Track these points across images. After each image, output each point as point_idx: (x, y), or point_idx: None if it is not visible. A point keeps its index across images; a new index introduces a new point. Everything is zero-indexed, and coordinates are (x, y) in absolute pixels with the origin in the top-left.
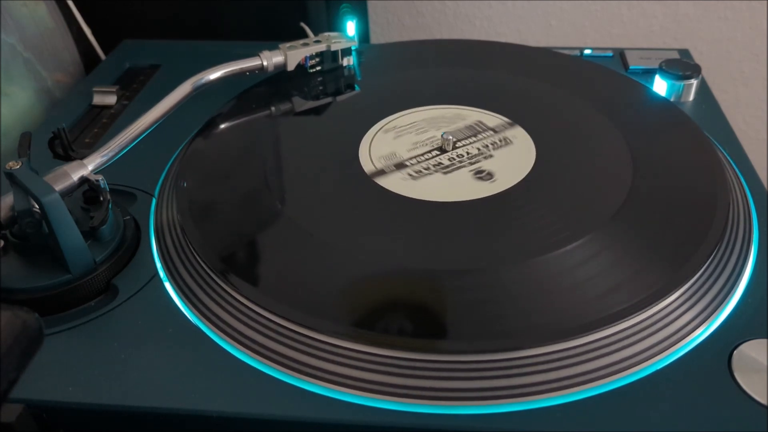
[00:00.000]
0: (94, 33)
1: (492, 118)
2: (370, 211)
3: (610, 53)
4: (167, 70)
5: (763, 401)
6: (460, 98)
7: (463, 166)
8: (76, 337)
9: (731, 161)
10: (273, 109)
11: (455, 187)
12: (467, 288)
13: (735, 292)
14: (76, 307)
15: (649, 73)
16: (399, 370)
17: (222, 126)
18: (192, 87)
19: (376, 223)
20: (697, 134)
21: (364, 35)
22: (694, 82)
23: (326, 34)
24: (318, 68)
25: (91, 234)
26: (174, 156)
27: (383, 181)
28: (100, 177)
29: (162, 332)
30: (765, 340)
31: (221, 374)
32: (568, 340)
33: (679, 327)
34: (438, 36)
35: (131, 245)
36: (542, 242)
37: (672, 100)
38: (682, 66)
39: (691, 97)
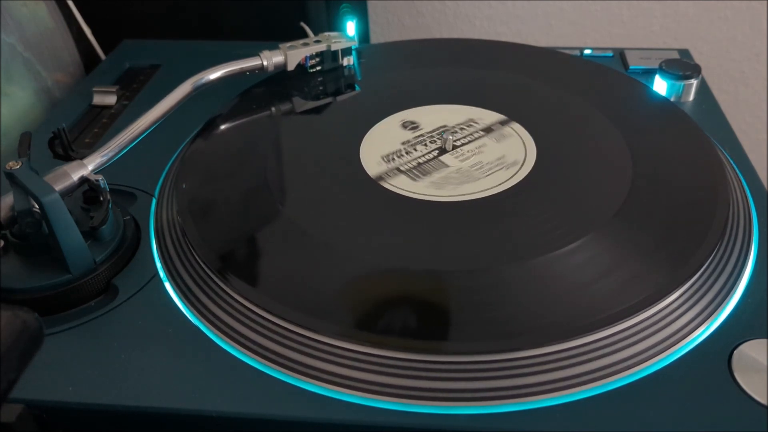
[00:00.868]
0: (94, 33)
1: (489, 116)
2: (370, 211)
3: (610, 53)
4: (167, 70)
5: (763, 401)
6: (459, 98)
7: (465, 165)
8: (76, 337)
9: (731, 161)
10: (273, 109)
11: (460, 185)
12: (467, 288)
13: (735, 292)
14: (76, 307)
15: (649, 73)
16: (399, 370)
17: (222, 126)
18: (192, 87)
19: (375, 223)
20: (697, 134)
21: (364, 35)
22: (694, 82)
23: (326, 34)
24: (318, 68)
25: (91, 234)
26: (174, 156)
27: (386, 183)
28: (100, 177)
29: (162, 332)
30: (765, 340)
31: (221, 374)
32: (568, 340)
33: (679, 327)
34: (438, 36)
35: (131, 245)
36: (542, 242)
37: (672, 100)
38: (682, 66)
39: (691, 97)
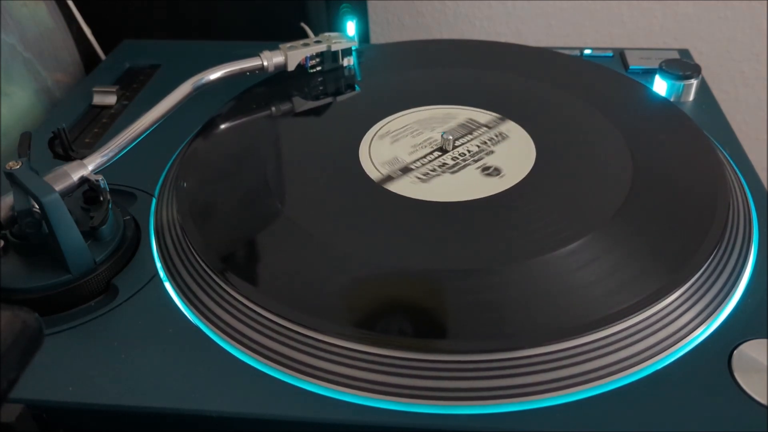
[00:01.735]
0: (94, 33)
1: (488, 117)
2: (370, 211)
3: (610, 53)
4: (167, 70)
5: (763, 401)
6: (458, 98)
7: (468, 165)
8: (76, 337)
9: (731, 161)
10: (273, 109)
11: (466, 185)
12: (467, 288)
13: (735, 292)
14: (76, 307)
15: (649, 73)
16: (399, 370)
17: (222, 126)
18: (192, 87)
19: (375, 223)
20: (697, 134)
21: (364, 35)
22: (694, 82)
23: (326, 34)
24: (318, 68)
25: (91, 234)
26: (174, 156)
27: (392, 186)
28: (100, 177)
29: (162, 332)
30: (765, 340)
31: (221, 374)
32: (568, 340)
33: (679, 327)
34: (438, 36)
35: (131, 245)
36: (542, 242)
37: (672, 100)
38: (682, 66)
39: (691, 97)
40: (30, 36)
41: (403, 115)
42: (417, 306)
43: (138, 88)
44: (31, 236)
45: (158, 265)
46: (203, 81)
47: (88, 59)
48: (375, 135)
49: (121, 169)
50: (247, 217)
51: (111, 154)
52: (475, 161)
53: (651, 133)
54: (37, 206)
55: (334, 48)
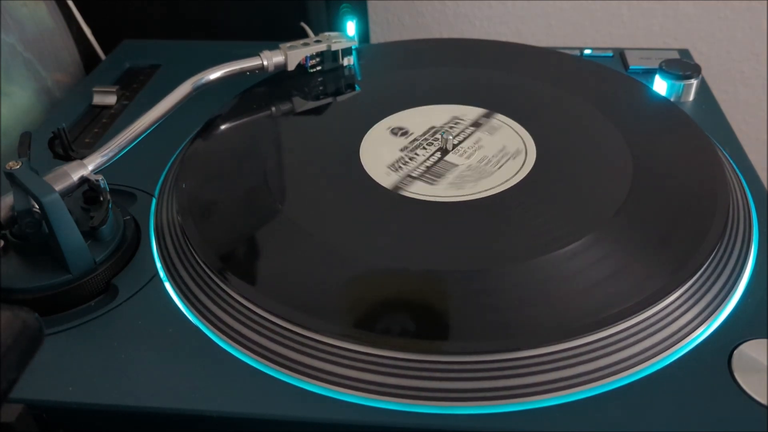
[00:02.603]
0: (94, 33)
1: (470, 111)
2: (370, 211)
3: (610, 53)
4: (167, 70)
5: (763, 401)
6: (457, 98)
7: (472, 160)
8: (76, 337)
9: (731, 161)
10: (273, 109)
11: (477, 182)
12: (467, 288)
13: (735, 292)
14: (76, 307)
15: (649, 73)
16: (399, 370)
17: (222, 126)
18: (192, 87)
19: (375, 223)
20: (697, 134)
21: (364, 35)
22: (694, 82)
23: (326, 34)
24: (318, 68)
25: (91, 234)
26: (174, 156)
27: (405, 191)
28: (100, 177)
29: (162, 332)
30: (765, 340)
31: (221, 374)
32: (568, 340)
33: (679, 327)
34: (437, 36)
35: (131, 245)
36: (542, 242)
37: (672, 100)
38: (682, 66)
39: (691, 97)
40: (30, 36)
41: (393, 119)
42: (417, 306)
43: (138, 88)
44: (31, 236)
45: (158, 265)
46: (203, 81)
47: (88, 59)
48: (372, 137)
49: (121, 169)
50: (246, 218)
51: (111, 154)
52: (478, 156)
53: (651, 133)
54: (37, 206)
55: (334, 48)
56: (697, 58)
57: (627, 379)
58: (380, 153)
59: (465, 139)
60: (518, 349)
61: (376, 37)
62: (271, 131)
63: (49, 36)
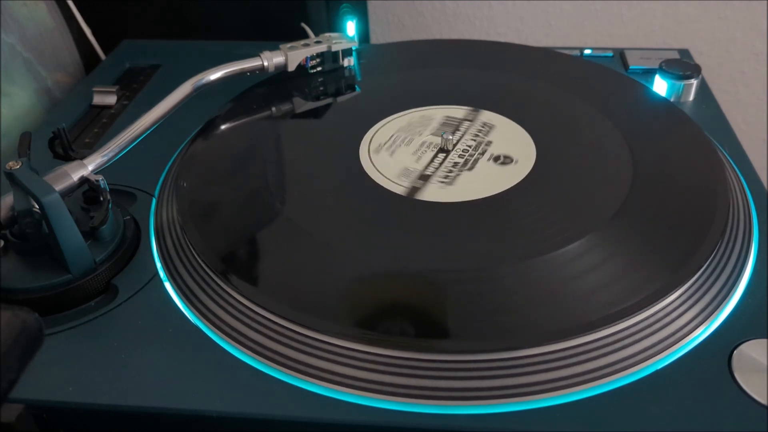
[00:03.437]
0: (94, 33)
1: (457, 110)
2: (369, 211)
3: (610, 53)
4: (167, 70)
5: (763, 401)
6: (457, 99)
7: (479, 158)
8: (76, 337)
9: (731, 161)
10: (274, 109)
11: (488, 179)
12: (467, 288)
13: (735, 292)
14: (76, 307)
15: (649, 73)
16: (399, 370)
17: (222, 126)
18: (192, 87)
19: (375, 223)
20: (697, 134)
21: (364, 35)
22: (694, 82)
23: (327, 34)
24: (318, 69)
25: (91, 234)
26: (174, 156)
27: (422, 195)
28: (100, 177)
29: (162, 332)
30: (765, 340)
31: (221, 374)
32: (568, 340)
33: (679, 327)
34: (438, 36)
35: (131, 245)
36: (542, 242)
37: (672, 100)
38: (682, 66)
39: (691, 97)
40: (30, 36)
41: (385, 125)
42: (417, 306)
43: (138, 88)
44: (31, 236)
45: (158, 265)
46: (203, 81)
47: (88, 59)
48: (372, 138)
49: (121, 169)
50: (247, 218)
51: (111, 154)
52: (482, 153)
53: (651, 133)
54: (37, 206)
55: (334, 48)
56: (697, 58)
57: (627, 379)
58: (380, 153)
59: (464, 139)
60: (518, 348)
61: (376, 37)
62: (271, 132)
63: (49, 36)
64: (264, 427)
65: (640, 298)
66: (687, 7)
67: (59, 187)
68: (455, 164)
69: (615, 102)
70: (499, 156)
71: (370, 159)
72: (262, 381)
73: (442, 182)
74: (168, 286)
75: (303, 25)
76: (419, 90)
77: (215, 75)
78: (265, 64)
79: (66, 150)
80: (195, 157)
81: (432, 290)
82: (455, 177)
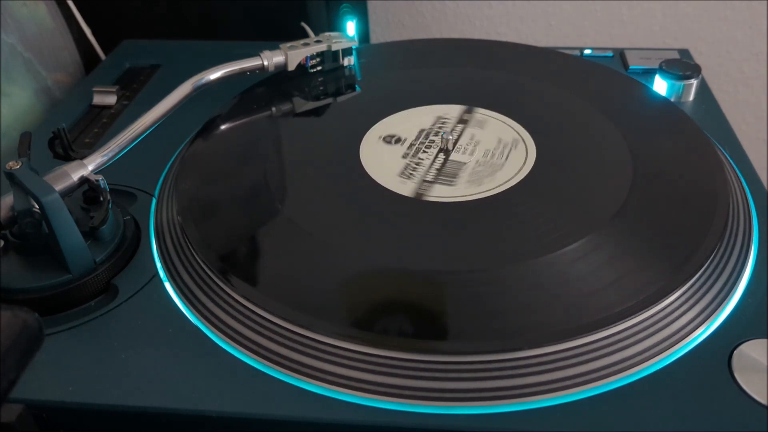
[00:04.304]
0: (94, 33)
1: (450, 109)
2: (368, 211)
3: (610, 53)
4: (167, 70)
5: (763, 401)
6: (457, 98)
7: (479, 155)
8: (76, 337)
9: (731, 161)
10: (274, 109)
11: (492, 177)
12: (467, 288)
13: (735, 292)
14: (76, 307)
15: (649, 73)
16: (399, 370)
17: (222, 126)
18: (192, 87)
19: (375, 223)
20: (697, 134)
21: (364, 35)
22: (694, 82)
23: (327, 34)
24: (319, 68)
25: (91, 234)
26: (174, 156)
27: (429, 195)
28: (100, 177)
29: (162, 332)
30: (765, 340)
31: (221, 374)
32: (568, 340)
33: (679, 327)
34: (438, 36)
35: (131, 245)
36: (542, 243)
37: (672, 100)
38: (682, 66)
39: (691, 97)
40: (30, 36)
41: (384, 125)
42: (417, 306)
43: (138, 88)
44: (31, 236)
45: (158, 265)
46: (203, 81)
47: (88, 59)
48: (372, 138)
49: (121, 169)
50: (247, 218)
51: (111, 154)
52: (482, 150)
53: (651, 132)
54: (37, 206)
55: (334, 48)
56: (697, 58)
57: (627, 379)
58: (380, 153)
59: (462, 137)
60: (518, 349)
61: (376, 37)
62: (271, 131)
63: (49, 36)
64: (263, 427)
65: (640, 298)
66: (687, 7)
67: (59, 187)
68: (457, 162)
69: (615, 102)
70: (499, 152)
71: (370, 160)
72: (261, 381)
73: (446, 181)
74: (168, 286)
75: (303, 24)
76: (419, 90)
77: (215, 75)
78: (265, 63)
79: (66, 150)
80: (195, 157)
81: (432, 291)
82: (459, 174)
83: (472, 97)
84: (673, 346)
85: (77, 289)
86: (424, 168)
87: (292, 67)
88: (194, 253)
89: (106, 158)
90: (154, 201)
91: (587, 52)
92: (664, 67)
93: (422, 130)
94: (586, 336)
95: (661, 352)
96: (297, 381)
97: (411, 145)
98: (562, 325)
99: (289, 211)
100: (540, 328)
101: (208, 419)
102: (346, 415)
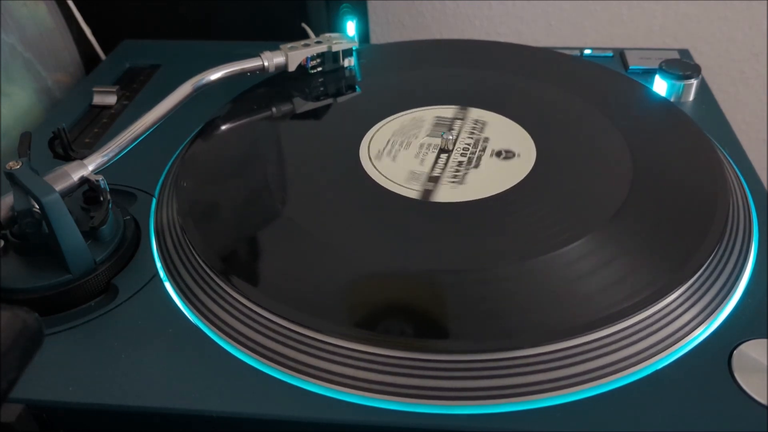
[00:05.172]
0: (94, 33)
1: (446, 110)
2: (370, 211)
3: (610, 53)
4: (167, 70)
5: (763, 401)
6: (457, 99)
7: (481, 155)
8: (76, 337)
9: (731, 161)
10: (274, 109)
11: (496, 175)
12: (467, 288)
13: (735, 292)
14: (76, 307)
15: (649, 73)
16: (399, 369)
17: (222, 126)
18: (192, 87)
19: (375, 223)
20: (697, 134)
21: (364, 35)
22: (694, 82)
23: (327, 34)
24: (319, 69)
25: (91, 234)
26: (174, 156)
27: (435, 197)
28: (100, 177)
29: (162, 332)
30: (765, 340)
31: (221, 374)
32: (568, 340)
33: (679, 327)
34: (438, 36)
35: (131, 245)
36: (542, 242)
37: (672, 100)
38: (682, 66)
39: (691, 97)
40: (30, 36)
41: (384, 125)
42: (417, 306)
43: (138, 88)
44: (31, 236)
45: (158, 265)
46: (203, 81)
47: (88, 59)
48: (373, 138)
49: (121, 169)
50: (247, 218)
51: (111, 154)
52: (483, 150)
53: (651, 133)
54: (37, 206)
55: (334, 48)
56: (697, 58)
57: (627, 379)
58: (381, 153)
59: (461, 137)
60: (518, 348)
61: (376, 38)
62: (271, 132)
63: (49, 36)
64: (264, 427)
65: (640, 298)
66: (687, 7)
67: (59, 187)
68: (460, 163)
69: (615, 102)
70: (501, 151)
71: (371, 160)
72: (261, 381)
73: (446, 181)
74: (168, 286)
75: (303, 25)
76: (419, 91)
77: (215, 75)
78: (266, 64)
79: (66, 150)
80: (195, 157)
81: (432, 290)
82: (464, 175)
83: (472, 98)
84: (672, 345)
85: (77, 289)
86: (424, 168)
87: (292, 67)
88: (194, 253)
89: (106, 158)
90: (154, 201)
91: (587, 52)
92: (664, 67)
93: (423, 131)
94: (587, 335)
95: (661, 352)
96: (297, 381)
97: (411, 145)
98: (562, 324)
99: (289, 211)
100: (540, 327)
101: (208, 419)
102: (346, 415)
